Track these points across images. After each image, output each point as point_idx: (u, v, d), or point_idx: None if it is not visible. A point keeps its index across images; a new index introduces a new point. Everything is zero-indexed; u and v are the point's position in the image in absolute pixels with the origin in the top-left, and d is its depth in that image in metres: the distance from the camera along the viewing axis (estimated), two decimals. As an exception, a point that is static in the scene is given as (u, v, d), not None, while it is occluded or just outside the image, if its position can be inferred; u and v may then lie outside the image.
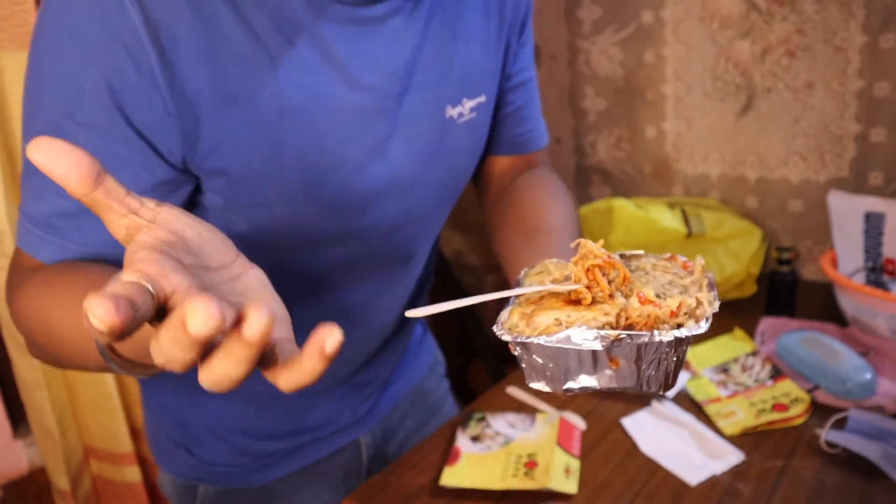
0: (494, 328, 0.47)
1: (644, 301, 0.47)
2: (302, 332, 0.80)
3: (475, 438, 0.84)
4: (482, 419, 0.88)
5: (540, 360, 0.47)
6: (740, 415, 0.85)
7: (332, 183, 0.62)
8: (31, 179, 0.56)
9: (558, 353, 0.46)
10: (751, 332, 1.06)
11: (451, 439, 0.85)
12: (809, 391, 0.88)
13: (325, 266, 0.69)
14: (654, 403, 0.88)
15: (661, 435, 0.83)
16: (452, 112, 0.69)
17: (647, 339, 0.44)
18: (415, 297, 0.84)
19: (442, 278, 1.94)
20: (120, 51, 0.51)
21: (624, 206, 1.17)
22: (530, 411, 0.90)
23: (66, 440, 1.46)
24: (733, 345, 1.02)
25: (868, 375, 0.85)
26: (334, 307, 0.73)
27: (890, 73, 1.11)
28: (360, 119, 0.62)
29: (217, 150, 0.57)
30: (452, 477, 0.77)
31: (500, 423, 0.87)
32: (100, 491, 1.57)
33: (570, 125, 1.49)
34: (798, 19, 1.16)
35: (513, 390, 0.96)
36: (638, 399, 0.90)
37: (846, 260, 1.11)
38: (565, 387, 0.48)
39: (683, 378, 0.94)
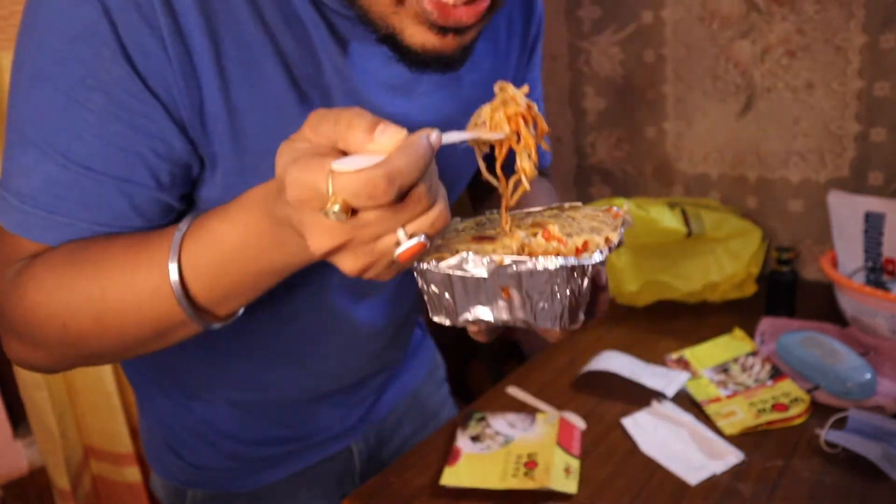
0: None
1: (549, 237, 0.46)
2: (297, 346, 0.77)
3: (475, 438, 0.84)
4: (482, 419, 0.88)
5: (436, 290, 0.46)
6: (740, 415, 0.85)
7: None
8: (26, 155, 0.51)
9: (449, 280, 0.45)
10: (751, 332, 1.06)
11: (451, 439, 0.85)
12: (809, 391, 0.88)
13: (317, 279, 0.67)
14: (654, 403, 0.88)
15: (661, 435, 0.83)
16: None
17: (531, 266, 0.42)
18: (412, 308, 0.83)
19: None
20: (134, 13, 0.49)
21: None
22: (530, 411, 0.90)
23: (66, 440, 1.46)
24: (733, 345, 1.02)
25: (868, 375, 0.85)
26: (327, 322, 0.71)
27: (890, 73, 1.11)
28: None
29: (215, 131, 0.54)
30: (452, 477, 0.77)
31: (500, 423, 0.87)
32: (100, 491, 1.57)
33: (570, 125, 1.49)
34: (798, 19, 1.16)
35: (513, 390, 0.96)
36: (638, 399, 0.90)
37: (846, 260, 1.11)
38: (461, 318, 0.47)
39: (683, 378, 0.94)
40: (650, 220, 1.16)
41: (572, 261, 0.42)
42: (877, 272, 1.08)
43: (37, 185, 0.51)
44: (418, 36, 0.50)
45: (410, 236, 0.40)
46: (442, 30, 0.49)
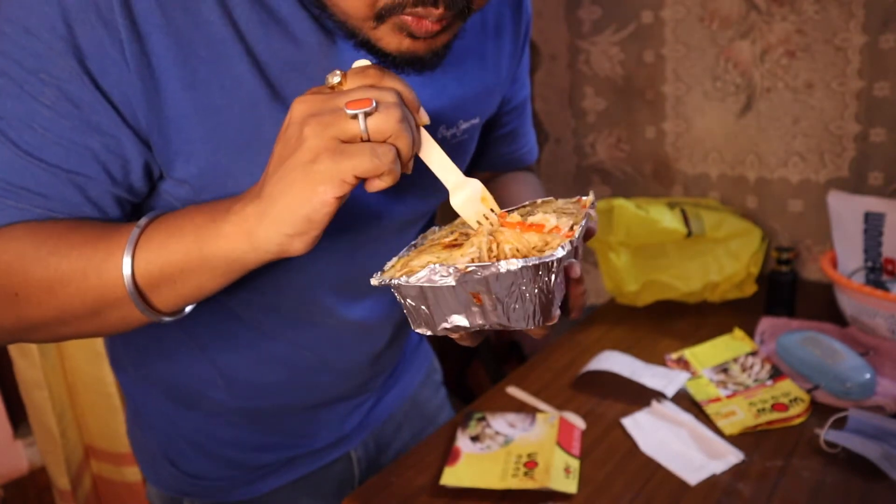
0: (372, 278, 0.48)
1: (504, 223, 0.47)
2: (295, 349, 0.76)
3: (475, 438, 0.84)
4: (482, 419, 0.88)
5: (412, 303, 0.47)
6: (740, 415, 0.85)
7: None
8: None
9: (422, 293, 0.46)
10: (751, 332, 1.06)
11: (451, 439, 0.85)
12: (809, 391, 0.88)
13: (311, 280, 0.67)
14: (654, 403, 0.88)
15: (661, 435, 0.83)
16: (446, 133, 0.68)
17: (494, 270, 0.43)
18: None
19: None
20: (91, 13, 0.49)
21: (624, 206, 1.17)
22: (530, 411, 0.90)
23: (66, 440, 1.46)
24: (733, 345, 1.02)
25: (868, 375, 0.85)
26: (323, 325, 0.71)
27: (890, 73, 1.11)
28: None
29: (183, 133, 0.54)
30: (452, 477, 0.77)
31: (500, 423, 0.87)
32: (100, 491, 1.57)
33: (570, 125, 1.49)
34: (798, 19, 1.16)
35: (513, 390, 0.96)
36: (638, 399, 0.90)
37: (846, 260, 1.11)
38: (440, 327, 0.47)
39: (683, 378, 0.94)
40: (650, 220, 1.16)
41: (533, 260, 0.43)
42: (876, 272, 1.08)
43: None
44: (394, 43, 0.52)
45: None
46: (413, 35, 0.51)
